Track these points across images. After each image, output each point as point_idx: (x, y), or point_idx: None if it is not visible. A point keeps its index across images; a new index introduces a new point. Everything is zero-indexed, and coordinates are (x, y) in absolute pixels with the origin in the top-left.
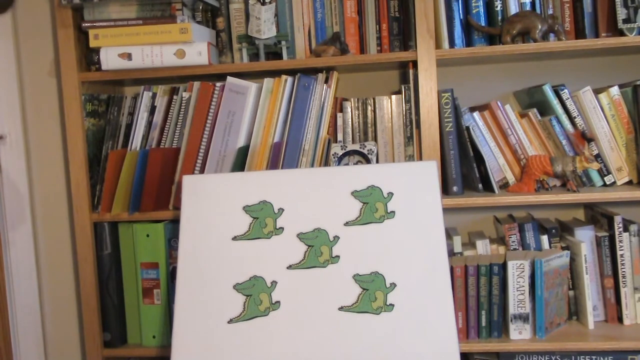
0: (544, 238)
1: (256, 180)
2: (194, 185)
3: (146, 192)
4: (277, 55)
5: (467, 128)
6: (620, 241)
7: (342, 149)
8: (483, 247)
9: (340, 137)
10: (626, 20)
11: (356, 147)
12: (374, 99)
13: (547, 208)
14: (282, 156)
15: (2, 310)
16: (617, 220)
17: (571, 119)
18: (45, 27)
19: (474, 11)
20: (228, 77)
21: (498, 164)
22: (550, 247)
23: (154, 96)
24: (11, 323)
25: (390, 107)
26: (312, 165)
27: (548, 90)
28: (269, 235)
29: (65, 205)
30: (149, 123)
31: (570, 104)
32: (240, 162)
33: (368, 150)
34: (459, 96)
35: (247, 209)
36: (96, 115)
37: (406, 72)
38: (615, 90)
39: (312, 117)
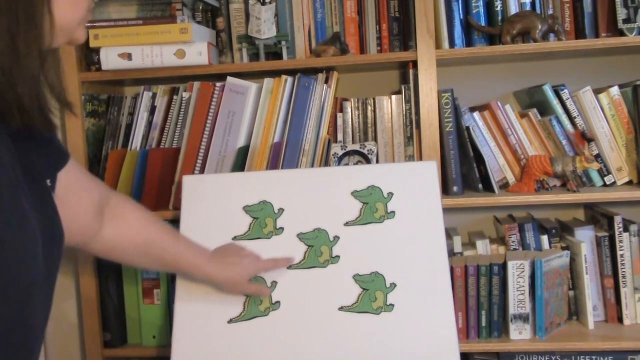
0: (544, 238)
1: (256, 180)
2: (194, 185)
3: (146, 192)
4: (277, 55)
5: (467, 128)
6: (620, 241)
7: (342, 149)
8: (483, 247)
9: (340, 137)
10: (626, 20)
11: (356, 147)
12: (374, 99)
13: (547, 208)
14: (282, 156)
15: None
16: (617, 220)
17: (571, 119)
18: None
19: (474, 11)
20: (228, 77)
21: (498, 164)
22: (550, 247)
23: (154, 96)
24: None
25: (390, 107)
26: (312, 165)
27: (548, 90)
28: (269, 235)
29: None
30: (149, 123)
31: (570, 104)
32: (240, 162)
33: (368, 150)
34: (459, 96)
35: (247, 209)
36: (96, 115)
37: (406, 72)
38: (615, 90)
39: (312, 117)
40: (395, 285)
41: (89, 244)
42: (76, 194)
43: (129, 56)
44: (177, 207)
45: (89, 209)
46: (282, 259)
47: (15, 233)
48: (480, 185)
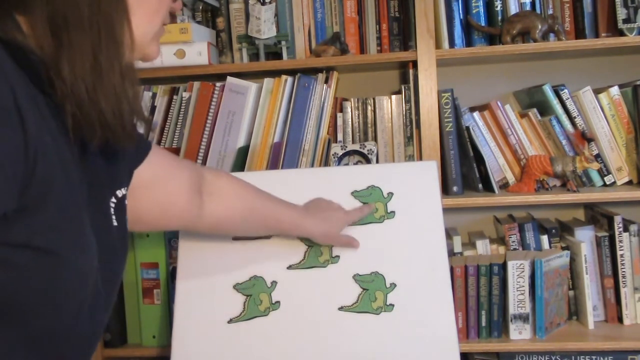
0: (544, 238)
1: (256, 180)
2: None
3: None
4: (277, 55)
5: (467, 128)
6: (620, 241)
7: (342, 149)
8: (483, 247)
9: (340, 137)
10: (626, 20)
11: (356, 147)
12: (374, 99)
13: (547, 208)
14: (282, 156)
15: None
16: (617, 220)
17: (571, 119)
18: None
19: (474, 11)
20: (228, 77)
21: (498, 164)
22: (550, 247)
23: (154, 96)
24: None
25: (390, 107)
26: (312, 165)
27: (548, 90)
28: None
29: None
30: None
31: (570, 104)
32: (240, 162)
33: (368, 150)
34: (459, 96)
35: None
36: None
37: (406, 72)
38: (615, 90)
39: (312, 117)
40: (395, 285)
41: (195, 224)
42: (164, 180)
43: None
44: None
45: (183, 192)
46: (366, 207)
47: (73, 250)
48: (480, 185)
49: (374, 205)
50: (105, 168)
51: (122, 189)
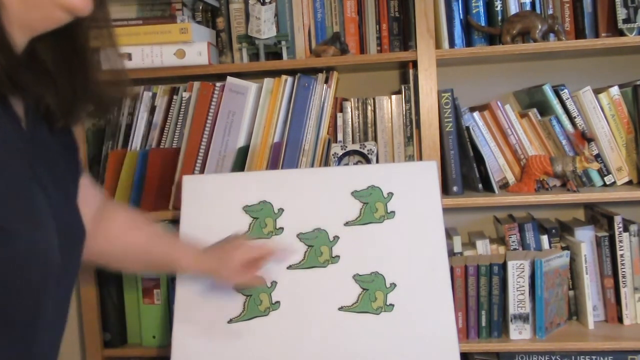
0: (544, 238)
1: (256, 180)
2: (193, 185)
3: (146, 192)
4: (277, 55)
5: (467, 128)
6: (620, 241)
7: (342, 149)
8: (483, 247)
9: (340, 137)
10: (626, 20)
11: (356, 147)
12: (374, 99)
13: (547, 208)
14: (282, 156)
15: None
16: (617, 220)
17: (571, 119)
18: None
19: (474, 11)
20: (228, 77)
21: (498, 164)
22: (550, 247)
23: (154, 96)
24: None
25: (390, 107)
26: (312, 165)
27: (548, 90)
28: (268, 235)
29: None
30: (149, 123)
31: (570, 104)
32: (240, 162)
33: (368, 150)
34: (459, 96)
35: (247, 209)
36: None
37: (406, 72)
38: (615, 90)
39: (312, 117)
40: (395, 285)
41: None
42: (84, 202)
43: (129, 56)
44: (177, 207)
45: (90, 216)
46: (265, 246)
47: (25, 225)
48: (480, 185)
49: (272, 251)
50: (67, 159)
51: (72, 186)
